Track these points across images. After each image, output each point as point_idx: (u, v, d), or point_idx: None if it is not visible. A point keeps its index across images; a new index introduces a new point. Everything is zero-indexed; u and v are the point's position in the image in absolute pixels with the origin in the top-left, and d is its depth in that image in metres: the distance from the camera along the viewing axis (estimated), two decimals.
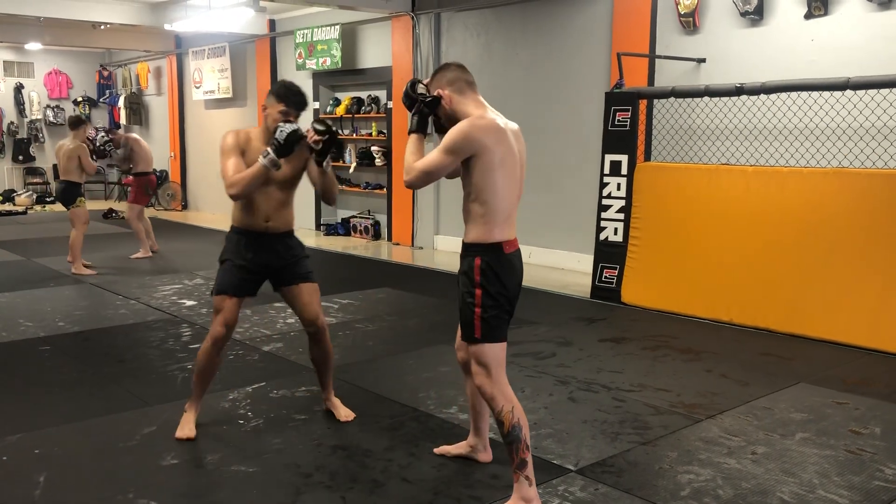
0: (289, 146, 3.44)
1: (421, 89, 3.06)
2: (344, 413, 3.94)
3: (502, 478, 3.27)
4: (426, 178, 2.95)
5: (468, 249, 2.98)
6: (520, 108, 8.21)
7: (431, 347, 5.28)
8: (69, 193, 7.88)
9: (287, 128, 3.43)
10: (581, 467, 3.39)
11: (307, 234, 11.11)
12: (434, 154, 2.92)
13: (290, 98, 3.56)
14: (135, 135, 9.36)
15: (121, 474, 3.31)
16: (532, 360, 4.98)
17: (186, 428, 3.70)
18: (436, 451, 3.51)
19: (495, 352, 2.95)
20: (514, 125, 3.07)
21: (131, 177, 9.20)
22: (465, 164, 2.92)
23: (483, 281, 2.91)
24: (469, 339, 2.97)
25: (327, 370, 3.94)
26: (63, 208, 8.32)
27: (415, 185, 2.98)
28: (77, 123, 8.01)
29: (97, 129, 16.62)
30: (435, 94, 3.03)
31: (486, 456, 3.42)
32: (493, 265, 2.92)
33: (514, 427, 2.91)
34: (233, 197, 3.55)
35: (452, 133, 2.89)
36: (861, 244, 5.41)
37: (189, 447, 3.60)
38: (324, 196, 3.70)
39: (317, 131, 3.50)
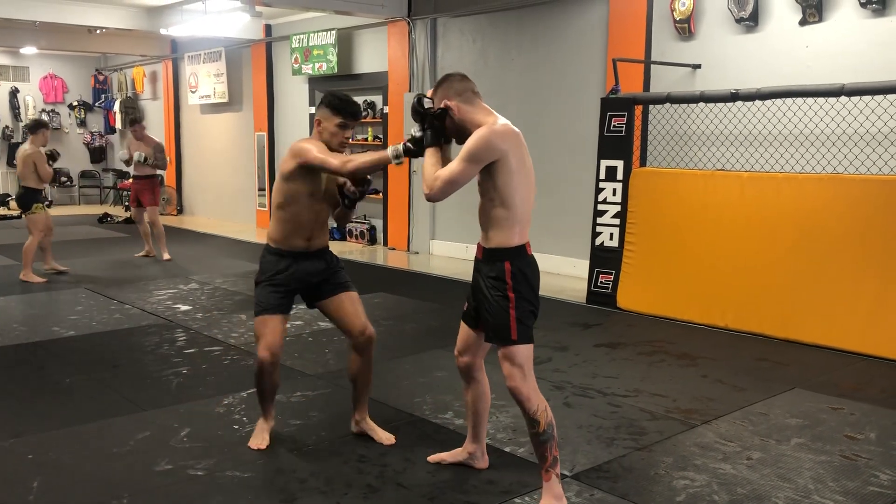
0: (420, 150, 3.18)
1: (427, 103, 3.05)
2: (385, 436, 3.72)
3: (498, 483, 3.27)
4: (450, 187, 2.94)
5: (494, 254, 2.99)
6: (516, 114, 8.16)
7: (427, 352, 5.27)
8: (26, 199, 7.72)
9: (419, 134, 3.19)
10: (576, 473, 3.39)
11: None
12: (455, 164, 2.91)
13: (345, 109, 3.53)
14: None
15: (114, 480, 3.30)
16: None
17: (260, 437, 3.68)
18: (430, 459, 3.48)
19: (528, 352, 3.00)
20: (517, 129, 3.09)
21: (144, 179, 8.98)
22: (486, 171, 2.92)
23: (515, 284, 2.96)
24: (505, 341, 2.98)
25: (367, 386, 3.76)
26: (51, 214, 8.19)
27: (438, 196, 2.96)
28: (35, 127, 7.74)
29: (92, 134, 16.70)
30: (442, 105, 3.03)
31: (483, 463, 3.41)
32: (522, 268, 2.98)
33: (549, 425, 2.97)
34: (349, 175, 3.45)
35: (473, 141, 2.89)
36: (856, 250, 5.42)
37: (183, 453, 3.58)
38: (339, 222, 3.86)
39: (354, 184, 3.55)
